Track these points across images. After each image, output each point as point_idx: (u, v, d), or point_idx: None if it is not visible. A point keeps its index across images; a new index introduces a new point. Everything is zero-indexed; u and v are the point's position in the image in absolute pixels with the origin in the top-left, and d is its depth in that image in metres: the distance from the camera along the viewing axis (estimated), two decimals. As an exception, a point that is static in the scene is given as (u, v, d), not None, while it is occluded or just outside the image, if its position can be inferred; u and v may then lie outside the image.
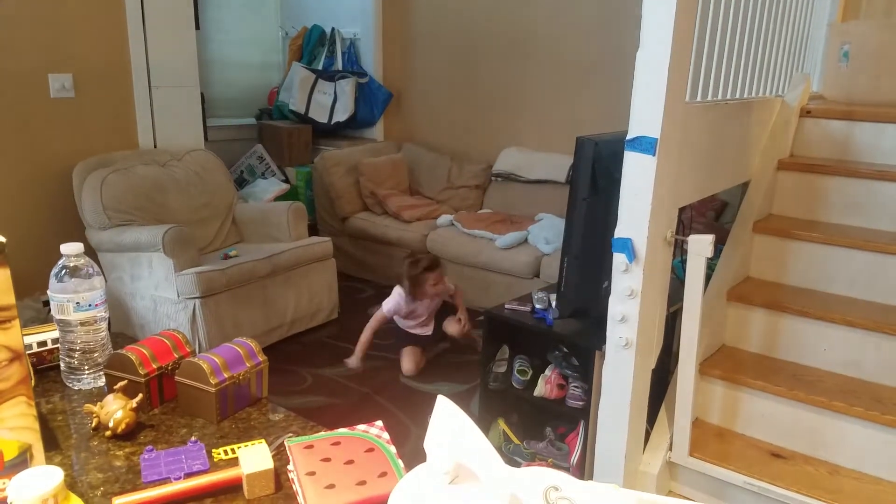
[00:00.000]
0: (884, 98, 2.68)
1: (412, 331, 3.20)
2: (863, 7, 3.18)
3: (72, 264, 1.08)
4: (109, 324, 3.47)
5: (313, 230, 4.28)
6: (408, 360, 3.08)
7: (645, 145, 1.79)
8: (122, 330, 3.10)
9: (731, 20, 2.09)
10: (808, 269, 2.38)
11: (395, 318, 3.18)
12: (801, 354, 2.26)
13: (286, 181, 4.62)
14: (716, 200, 3.31)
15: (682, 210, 2.15)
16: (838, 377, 2.17)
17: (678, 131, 1.85)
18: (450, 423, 0.74)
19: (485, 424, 2.52)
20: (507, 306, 2.47)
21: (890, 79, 2.72)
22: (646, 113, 1.78)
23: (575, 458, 2.30)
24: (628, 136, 1.82)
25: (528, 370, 2.42)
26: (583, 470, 2.26)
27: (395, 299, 3.10)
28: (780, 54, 2.56)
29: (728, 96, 2.19)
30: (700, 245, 1.88)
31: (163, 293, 2.93)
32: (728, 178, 2.40)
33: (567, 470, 2.30)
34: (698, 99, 2.01)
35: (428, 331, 3.21)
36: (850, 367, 2.17)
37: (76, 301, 1.07)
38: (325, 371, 3.07)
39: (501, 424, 2.51)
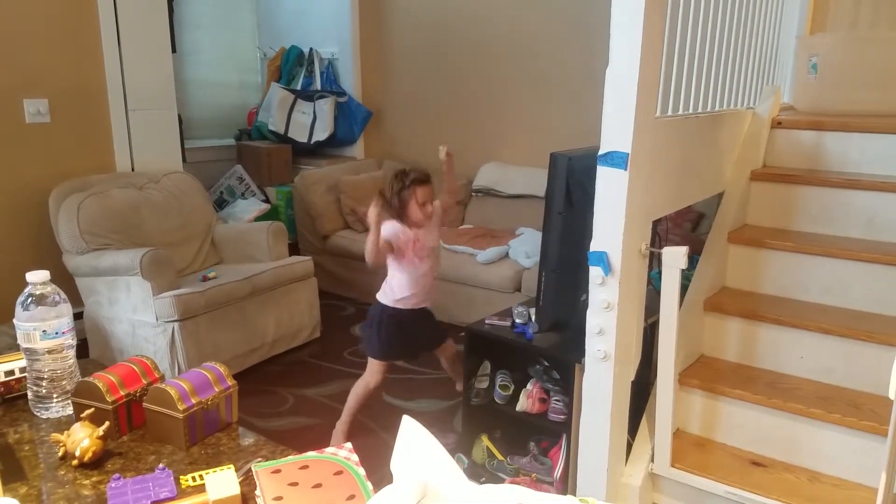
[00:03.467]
0: (851, 108, 2.73)
1: (408, 304, 2.50)
2: (829, 21, 3.25)
3: (38, 292, 1.07)
4: (87, 349, 3.37)
5: (294, 249, 4.28)
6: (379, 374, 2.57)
7: (616, 160, 1.81)
8: (101, 354, 3.07)
9: (699, 35, 2.12)
10: (782, 277, 2.40)
11: (387, 296, 2.51)
12: (778, 362, 2.28)
13: (266, 201, 4.61)
14: (692, 212, 3.35)
15: (657, 222, 2.18)
16: (815, 384, 2.19)
17: (649, 146, 1.87)
18: (416, 443, 0.74)
19: (468, 440, 2.52)
20: (487, 321, 2.47)
21: (856, 89, 2.77)
22: (616, 128, 1.80)
23: (558, 472, 2.29)
24: (600, 152, 1.84)
25: (510, 385, 2.42)
26: (566, 484, 2.25)
27: (390, 226, 2.41)
28: (750, 67, 2.61)
29: (699, 110, 2.22)
30: (674, 257, 1.90)
31: (141, 317, 2.91)
32: (701, 190, 2.43)
33: (551, 484, 2.30)
34: (668, 113, 2.04)
35: (418, 303, 2.53)
36: (826, 374, 2.19)
37: (43, 329, 1.07)
38: (307, 391, 3.05)
39: (485, 440, 2.50)
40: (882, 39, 2.88)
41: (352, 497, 0.83)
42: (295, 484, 0.85)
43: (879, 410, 1.98)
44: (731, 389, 2.18)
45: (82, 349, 2.97)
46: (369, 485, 0.86)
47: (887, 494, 1.46)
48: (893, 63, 2.74)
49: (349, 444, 0.94)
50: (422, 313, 2.59)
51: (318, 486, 0.85)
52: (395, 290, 2.50)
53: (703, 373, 2.28)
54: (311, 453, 0.93)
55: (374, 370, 2.60)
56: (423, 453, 0.72)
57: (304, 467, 0.89)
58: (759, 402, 2.13)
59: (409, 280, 2.48)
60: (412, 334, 2.59)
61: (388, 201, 2.43)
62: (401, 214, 2.42)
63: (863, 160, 2.51)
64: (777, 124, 2.67)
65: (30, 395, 1.13)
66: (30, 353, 1.09)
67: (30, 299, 1.07)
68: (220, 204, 4.58)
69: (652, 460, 2.15)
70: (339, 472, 0.88)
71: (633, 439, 2.23)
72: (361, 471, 0.89)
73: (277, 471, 0.88)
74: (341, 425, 2.65)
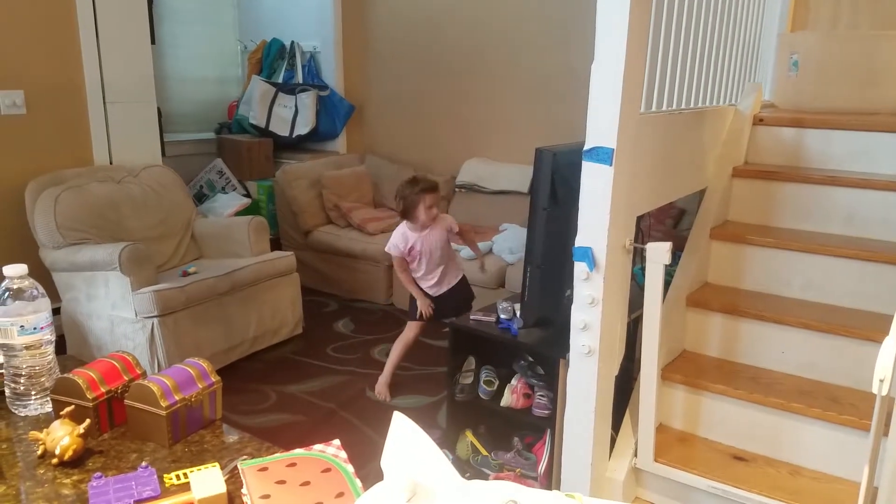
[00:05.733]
0: (831, 105, 2.76)
1: (435, 293, 2.90)
2: (810, 18, 3.29)
3: (15, 286, 1.04)
4: (65, 346, 3.32)
5: (276, 244, 4.23)
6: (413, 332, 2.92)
7: (601, 156, 1.81)
8: (79, 351, 3.02)
9: (683, 32, 2.13)
10: (764, 273, 2.43)
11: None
12: (760, 357, 2.30)
13: (247, 195, 4.56)
14: (674, 208, 3.37)
15: (640, 218, 2.19)
16: (796, 379, 2.22)
17: (634, 141, 1.87)
18: (406, 440, 0.73)
19: (452, 436, 2.51)
20: (472, 317, 2.46)
21: (836, 87, 2.81)
22: (601, 124, 1.80)
23: (542, 467, 2.30)
24: (585, 147, 1.84)
25: (495, 381, 2.42)
26: (550, 478, 2.26)
27: (399, 232, 2.82)
28: (732, 64, 2.63)
29: (682, 106, 2.24)
30: (658, 252, 1.91)
31: (120, 313, 2.86)
32: (684, 186, 2.45)
33: (535, 479, 2.30)
34: (653, 109, 2.05)
35: (441, 289, 2.91)
36: (806, 368, 2.22)
37: (20, 324, 1.04)
38: (290, 388, 3.03)
39: (469, 436, 2.50)
40: (862, 37, 2.92)
41: (340, 495, 0.82)
42: (282, 482, 0.84)
43: (859, 405, 2.01)
44: (714, 384, 2.20)
45: (59, 345, 2.90)
46: (358, 482, 0.85)
47: (869, 488, 1.48)
48: (874, 61, 2.78)
49: (337, 441, 0.93)
50: (450, 293, 2.93)
51: (306, 483, 0.84)
52: (421, 283, 2.89)
53: (685, 368, 2.30)
54: (298, 451, 0.91)
55: (411, 327, 2.93)
56: (413, 450, 0.71)
57: (292, 465, 0.87)
58: (741, 397, 2.15)
59: (426, 274, 2.87)
60: (445, 308, 2.89)
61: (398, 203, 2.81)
62: (408, 215, 2.78)
63: (843, 157, 2.54)
64: (759, 121, 2.70)
65: (7, 392, 1.11)
66: (7, 349, 1.06)
67: (7, 294, 1.04)
68: (200, 198, 4.52)
69: (635, 455, 2.17)
70: (327, 470, 0.87)
71: (617, 434, 2.24)
72: (350, 468, 0.87)
73: (264, 469, 0.86)
74: (385, 379, 2.95)
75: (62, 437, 0.95)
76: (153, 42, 3.69)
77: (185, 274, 3.09)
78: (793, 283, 2.38)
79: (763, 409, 2.12)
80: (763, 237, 2.43)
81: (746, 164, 2.67)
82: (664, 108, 2.12)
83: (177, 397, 1.01)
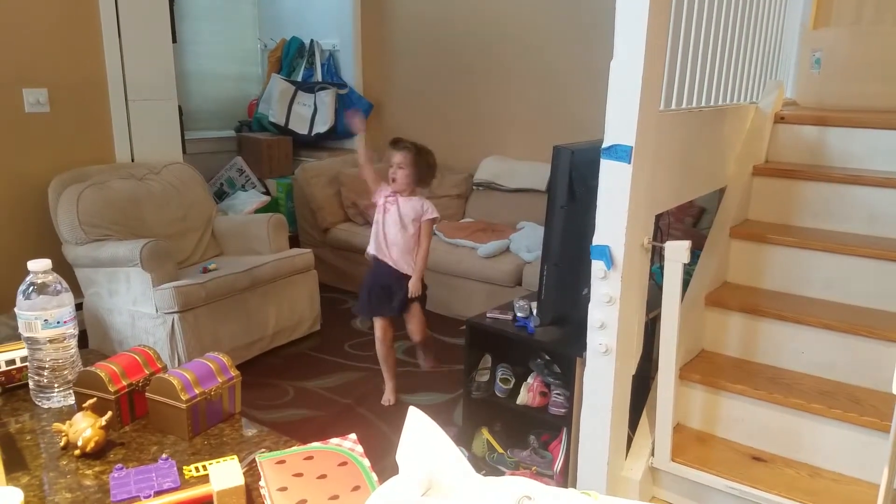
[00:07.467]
0: (854, 103, 2.73)
1: (381, 256, 2.77)
2: (833, 15, 3.24)
3: (39, 281, 1.06)
4: (87, 340, 3.37)
5: (295, 242, 4.27)
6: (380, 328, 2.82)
7: (620, 153, 1.80)
8: (100, 345, 3.06)
9: (703, 29, 2.11)
10: (784, 272, 2.40)
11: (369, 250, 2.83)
12: (779, 357, 2.28)
13: (266, 193, 4.60)
14: (693, 207, 3.34)
15: (659, 216, 2.17)
16: (816, 379, 2.19)
17: (653, 139, 1.86)
18: (422, 434, 0.73)
19: (468, 434, 2.52)
20: (488, 315, 2.47)
21: (859, 84, 2.77)
22: (620, 122, 1.80)
23: (558, 465, 2.30)
24: (604, 145, 1.84)
25: (511, 378, 2.42)
26: (566, 477, 2.25)
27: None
28: (754, 61, 2.60)
29: (702, 104, 2.22)
30: (676, 251, 1.89)
31: (141, 308, 2.90)
32: (704, 185, 2.43)
33: (551, 478, 2.30)
34: (672, 107, 2.03)
35: (400, 269, 2.75)
36: (827, 369, 2.19)
37: (44, 318, 1.06)
38: (307, 383, 3.05)
39: (485, 433, 2.50)
40: (886, 34, 2.88)
41: (357, 488, 0.83)
42: (299, 475, 0.85)
43: (880, 406, 1.99)
44: (732, 384, 2.18)
45: (81, 340, 2.95)
46: (374, 476, 0.86)
47: (888, 490, 1.46)
48: (898, 58, 2.74)
49: (353, 435, 0.94)
50: (393, 276, 2.76)
51: (322, 476, 0.85)
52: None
53: (704, 367, 2.28)
54: (315, 444, 0.92)
55: (376, 327, 2.86)
56: (429, 445, 0.71)
57: (309, 458, 0.88)
58: (760, 397, 2.13)
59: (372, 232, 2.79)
60: (379, 290, 2.79)
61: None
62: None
63: (865, 156, 2.50)
64: (780, 119, 2.67)
65: (31, 384, 1.13)
66: (31, 342, 1.08)
67: (31, 288, 1.06)
68: (220, 196, 4.57)
69: (652, 454, 2.15)
70: (343, 463, 0.88)
71: (634, 433, 2.23)
72: (366, 462, 0.88)
73: (282, 461, 0.87)
74: (390, 387, 2.90)
75: (84, 428, 0.96)
76: (174, 40, 3.73)
77: (206, 270, 3.13)
78: (813, 283, 2.35)
79: (782, 410, 2.10)
80: (784, 236, 2.40)
81: (767, 162, 2.64)
82: (684, 105, 2.11)
83: (197, 391, 1.02)
